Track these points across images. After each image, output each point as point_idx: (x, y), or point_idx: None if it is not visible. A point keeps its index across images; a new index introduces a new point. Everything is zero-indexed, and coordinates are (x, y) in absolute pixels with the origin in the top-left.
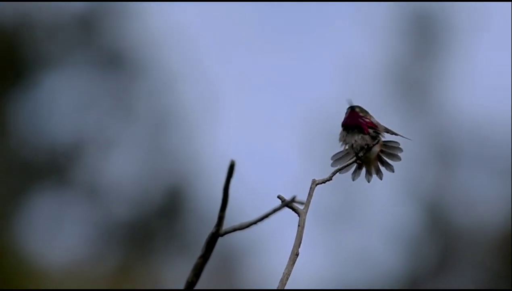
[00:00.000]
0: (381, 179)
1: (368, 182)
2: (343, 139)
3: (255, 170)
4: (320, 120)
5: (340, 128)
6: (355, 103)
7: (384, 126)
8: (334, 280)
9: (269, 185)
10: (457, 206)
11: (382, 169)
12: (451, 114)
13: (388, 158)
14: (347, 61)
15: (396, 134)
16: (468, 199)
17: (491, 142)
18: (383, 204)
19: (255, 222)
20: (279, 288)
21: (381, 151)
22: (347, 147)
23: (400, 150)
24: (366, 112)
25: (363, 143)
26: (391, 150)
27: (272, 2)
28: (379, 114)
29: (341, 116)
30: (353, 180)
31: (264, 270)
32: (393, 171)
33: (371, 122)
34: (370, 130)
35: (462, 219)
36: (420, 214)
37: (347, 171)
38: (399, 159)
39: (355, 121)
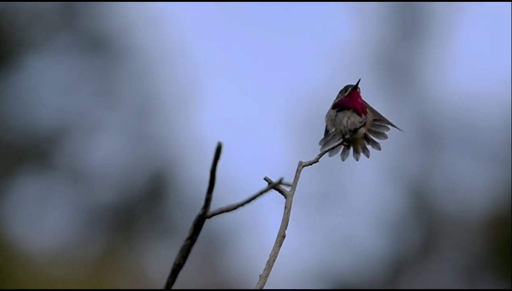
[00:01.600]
0: (368, 156)
1: (357, 160)
2: (331, 119)
3: (241, 153)
4: (306, 102)
5: (328, 108)
6: (346, 85)
7: (380, 114)
8: (320, 262)
9: (256, 167)
10: (442, 189)
11: (369, 147)
12: (435, 98)
13: (375, 137)
14: (333, 44)
15: (390, 123)
16: (452, 183)
17: (475, 126)
18: (368, 187)
19: (242, 204)
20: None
21: (368, 130)
22: (333, 129)
23: (387, 128)
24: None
25: (351, 127)
26: (377, 129)
27: None
28: (364, 99)
29: (328, 99)
30: (343, 160)
31: (251, 252)
32: (379, 149)
33: (365, 106)
34: (362, 114)
35: (446, 202)
36: (405, 198)
37: (334, 152)
38: (385, 137)
39: (355, 103)
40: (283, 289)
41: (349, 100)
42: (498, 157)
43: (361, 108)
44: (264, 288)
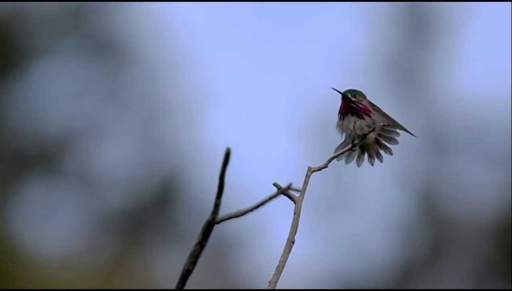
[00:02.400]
0: (381, 161)
1: (372, 165)
2: (339, 128)
3: (250, 158)
4: (315, 108)
5: (336, 117)
6: (349, 88)
7: (392, 119)
8: (329, 267)
9: (265, 172)
10: (451, 194)
11: (382, 152)
12: (444, 102)
13: (386, 141)
14: (342, 50)
15: (402, 128)
16: (461, 187)
17: (484, 130)
18: (378, 192)
19: (251, 210)
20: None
21: (379, 135)
22: (344, 136)
23: (397, 133)
24: (363, 96)
25: (359, 131)
26: (388, 134)
27: None
28: (372, 101)
29: (337, 104)
30: (358, 166)
31: (260, 257)
32: (391, 154)
33: (366, 107)
34: (365, 116)
35: (455, 207)
36: (414, 202)
37: (350, 159)
38: (396, 142)
39: (349, 108)
40: (283, 289)
41: (344, 109)
42: (507, 161)
43: (358, 110)
44: None
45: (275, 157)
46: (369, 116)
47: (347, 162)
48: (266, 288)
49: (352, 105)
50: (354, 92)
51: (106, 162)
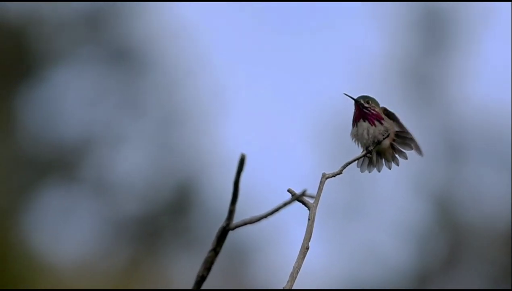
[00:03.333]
0: (397, 165)
1: (389, 168)
2: (354, 136)
3: (265, 164)
4: (330, 114)
5: (351, 125)
6: (362, 95)
7: (405, 129)
8: (343, 274)
9: (280, 178)
10: (467, 201)
11: (397, 156)
12: (460, 109)
13: (401, 147)
14: (357, 56)
15: (413, 141)
16: (477, 194)
17: (500, 137)
18: (393, 198)
19: (265, 216)
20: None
21: (393, 140)
22: (359, 143)
23: (412, 139)
24: (376, 103)
25: (374, 138)
26: (403, 139)
27: None
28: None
29: (352, 110)
30: (379, 171)
31: (274, 263)
32: (406, 158)
33: (378, 114)
34: (377, 122)
35: (471, 214)
36: (430, 209)
37: (360, 165)
38: (410, 147)
39: (361, 114)
40: (282, 289)
41: (356, 117)
42: None
43: (371, 117)
44: None
45: (290, 162)
46: (381, 123)
47: (362, 170)
48: None
49: (364, 111)
50: (367, 98)
51: (122, 168)
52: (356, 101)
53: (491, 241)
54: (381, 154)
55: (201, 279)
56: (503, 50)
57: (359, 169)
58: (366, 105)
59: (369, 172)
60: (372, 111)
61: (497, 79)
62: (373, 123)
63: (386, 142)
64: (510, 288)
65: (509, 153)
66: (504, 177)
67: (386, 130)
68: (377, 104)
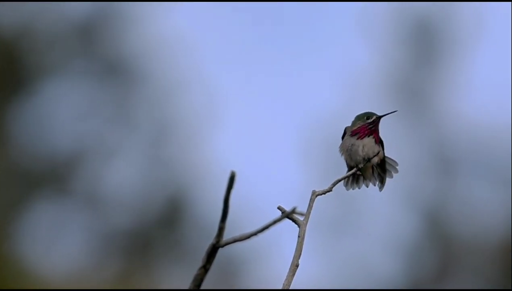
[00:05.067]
0: (374, 185)
1: (367, 187)
2: (347, 150)
3: (255, 181)
4: (321, 130)
5: (340, 140)
6: (365, 112)
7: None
8: (335, 288)
9: (270, 195)
10: (457, 214)
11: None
12: (451, 123)
13: (382, 172)
14: (348, 71)
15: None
16: (468, 208)
17: (491, 151)
18: (384, 213)
19: (255, 233)
20: None
21: (378, 164)
22: (350, 159)
23: (396, 170)
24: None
25: (364, 155)
26: (388, 166)
27: (273, 11)
28: (380, 124)
29: (341, 127)
30: (367, 186)
31: (264, 281)
32: (391, 177)
33: (379, 134)
34: (376, 139)
35: (462, 228)
36: (420, 223)
37: (347, 184)
38: (391, 176)
39: (371, 132)
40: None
41: (373, 128)
42: None
43: (377, 136)
44: None
45: (281, 178)
46: (381, 142)
47: (347, 188)
48: None
49: (369, 127)
50: (370, 115)
51: (114, 181)
52: (378, 118)
53: (482, 255)
54: (361, 171)
55: None
56: (494, 63)
57: (345, 187)
58: (370, 121)
59: (353, 189)
60: (378, 129)
61: (487, 93)
62: (377, 142)
63: (375, 160)
64: (510, 289)
65: (500, 166)
66: (495, 191)
67: (378, 150)
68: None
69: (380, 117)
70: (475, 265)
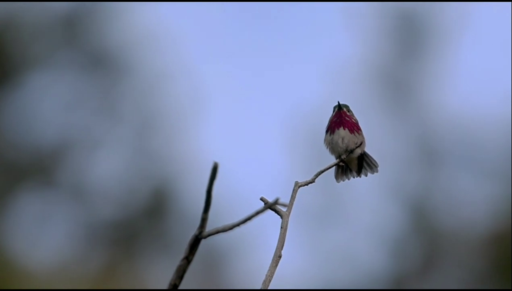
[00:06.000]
0: (360, 176)
1: (348, 179)
2: (329, 143)
3: (240, 172)
4: (305, 122)
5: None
6: (342, 103)
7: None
8: (319, 280)
9: (254, 187)
10: (442, 206)
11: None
12: (436, 115)
13: (367, 166)
14: (333, 63)
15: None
16: (453, 200)
17: (476, 142)
18: (368, 204)
19: (238, 224)
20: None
21: (362, 157)
22: (332, 152)
23: (376, 170)
24: (352, 113)
25: (345, 147)
26: (370, 162)
27: (258, 4)
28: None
29: (326, 117)
30: (354, 177)
31: (247, 271)
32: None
33: (357, 124)
34: (355, 132)
35: (447, 219)
36: (405, 215)
37: (336, 177)
38: (374, 172)
39: (342, 123)
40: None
41: (336, 120)
42: (499, 174)
43: (350, 126)
44: None
45: (265, 169)
46: (359, 133)
47: (338, 181)
48: None
49: (346, 119)
50: (347, 107)
51: (99, 173)
52: (340, 109)
53: (467, 246)
54: (347, 163)
55: (174, 287)
56: (479, 55)
57: (334, 179)
58: (348, 113)
59: (343, 181)
60: (352, 120)
61: (472, 84)
62: (352, 132)
63: (358, 151)
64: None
65: (485, 157)
66: (480, 182)
67: (360, 141)
68: (353, 114)
69: (335, 107)
70: (460, 256)
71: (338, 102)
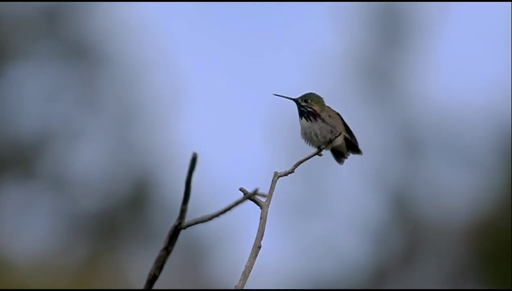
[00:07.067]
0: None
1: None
2: (304, 137)
3: (221, 163)
4: (286, 113)
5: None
6: (306, 93)
7: (347, 126)
8: (300, 271)
9: (233, 177)
10: (424, 196)
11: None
12: (417, 105)
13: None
14: (314, 54)
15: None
16: (434, 190)
17: (457, 133)
18: (350, 194)
19: (217, 215)
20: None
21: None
22: (309, 143)
23: (345, 158)
24: (317, 100)
25: (322, 139)
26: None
27: None
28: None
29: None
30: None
31: (227, 262)
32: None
33: (314, 111)
34: (313, 118)
35: (428, 209)
36: (387, 205)
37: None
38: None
39: (301, 114)
40: (268, 289)
41: (304, 113)
42: (480, 164)
43: (308, 115)
44: None
45: (245, 160)
46: (316, 119)
47: (341, 163)
48: None
49: (301, 109)
50: (305, 97)
51: (80, 164)
52: (293, 100)
53: (448, 236)
54: (337, 151)
55: (153, 278)
56: (461, 45)
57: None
58: (303, 104)
59: (346, 159)
60: (309, 108)
61: (454, 74)
62: (312, 120)
63: (339, 139)
64: (468, 284)
65: (466, 147)
66: (461, 173)
67: (334, 128)
68: (318, 101)
69: (290, 99)
70: (442, 246)
71: (285, 97)
